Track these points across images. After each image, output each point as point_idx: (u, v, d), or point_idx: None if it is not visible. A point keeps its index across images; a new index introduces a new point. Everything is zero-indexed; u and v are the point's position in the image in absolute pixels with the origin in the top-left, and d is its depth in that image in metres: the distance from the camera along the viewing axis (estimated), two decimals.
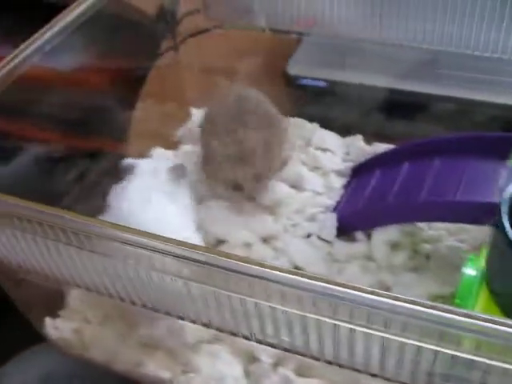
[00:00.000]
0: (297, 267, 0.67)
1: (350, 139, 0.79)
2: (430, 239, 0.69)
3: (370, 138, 0.81)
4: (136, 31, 0.87)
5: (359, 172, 0.75)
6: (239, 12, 0.82)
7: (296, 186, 0.74)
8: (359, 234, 0.68)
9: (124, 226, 0.42)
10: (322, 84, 0.85)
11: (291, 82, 0.87)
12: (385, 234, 0.66)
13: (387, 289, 0.64)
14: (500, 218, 0.47)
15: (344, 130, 0.81)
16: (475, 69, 0.82)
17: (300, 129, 0.79)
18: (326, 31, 0.81)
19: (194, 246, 0.40)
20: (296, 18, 0.81)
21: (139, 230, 0.41)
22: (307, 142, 0.79)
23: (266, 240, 0.70)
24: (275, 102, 0.76)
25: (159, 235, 0.41)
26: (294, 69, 0.87)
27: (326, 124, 0.82)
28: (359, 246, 0.67)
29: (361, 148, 0.77)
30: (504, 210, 0.47)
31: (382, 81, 0.84)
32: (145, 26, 0.90)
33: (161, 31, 0.91)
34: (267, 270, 0.38)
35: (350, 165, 0.76)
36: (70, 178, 0.73)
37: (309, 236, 0.69)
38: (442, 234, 0.69)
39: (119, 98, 0.84)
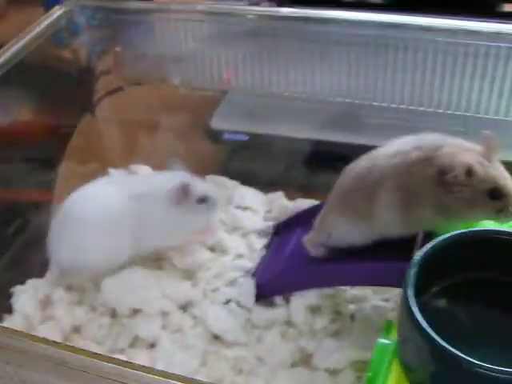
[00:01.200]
0: (215, 336, 0.64)
1: (271, 196, 0.76)
2: (354, 299, 0.66)
3: (294, 193, 0.78)
4: (64, 84, 0.85)
5: (281, 231, 0.72)
6: (151, 71, 0.80)
7: (216, 248, 0.71)
8: (279, 299, 0.65)
9: None
10: (244, 138, 0.83)
11: (214, 136, 0.85)
12: (304, 298, 0.64)
13: (308, 356, 0.61)
14: (404, 286, 0.45)
15: (267, 185, 0.79)
16: (397, 118, 0.80)
17: (220, 187, 0.76)
18: (242, 88, 0.80)
19: None
20: (210, 76, 0.80)
21: None
22: (228, 201, 0.76)
23: (184, 307, 0.66)
24: (198, 157, 0.74)
25: None
26: (217, 123, 0.84)
27: (250, 179, 0.80)
28: (278, 312, 0.65)
29: (282, 205, 0.74)
30: (410, 277, 0.44)
31: (305, 132, 0.82)
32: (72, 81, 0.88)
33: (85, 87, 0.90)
34: None
35: (271, 223, 0.73)
36: None
37: (228, 302, 0.65)
38: (366, 293, 0.67)
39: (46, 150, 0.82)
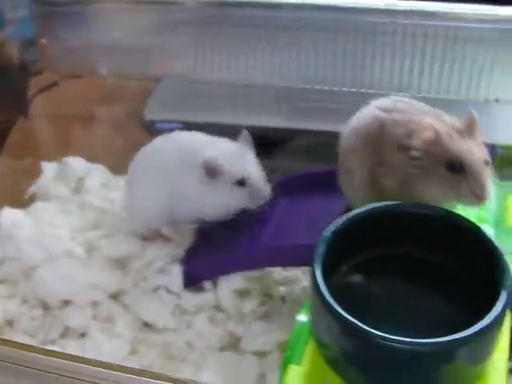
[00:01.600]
0: (145, 323, 0.64)
1: None
2: (285, 281, 0.67)
3: None
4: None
5: None
6: (83, 63, 0.80)
7: (146, 237, 0.70)
8: (207, 284, 0.65)
9: None
10: (178, 126, 0.83)
11: (149, 127, 0.84)
12: (231, 282, 0.64)
13: (237, 339, 0.61)
14: (312, 265, 0.45)
15: None
16: (330, 100, 0.81)
17: None
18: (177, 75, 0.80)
19: None
20: (143, 65, 0.79)
21: None
22: None
23: (115, 296, 0.66)
24: (134, 148, 0.74)
25: None
26: (150, 113, 0.84)
27: None
28: (207, 297, 0.64)
29: None
30: (319, 255, 0.45)
31: (238, 119, 0.82)
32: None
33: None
34: None
35: None
36: None
37: (157, 289, 0.65)
38: (297, 274, 0.67)
39: None
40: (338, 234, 0.47)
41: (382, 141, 0.53)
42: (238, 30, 0.77)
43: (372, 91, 0.75)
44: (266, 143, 0.80)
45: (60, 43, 0.81)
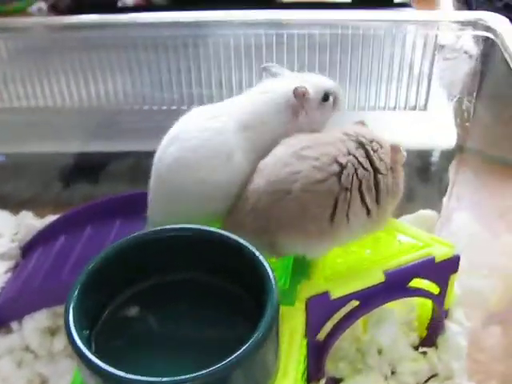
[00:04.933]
0: None
1: (20, 217, 0.72)
2: None
3: (48, 210, 0.75)
4: None
5: (28, 251, 0.68)
6: None
7: None
8: (15, 324, 0.61)
9: None
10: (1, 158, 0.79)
11: None
12: (36, 321, 0.60)
13: (45, 381, 0.58)
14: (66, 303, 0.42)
15: (19, 206, 0.75)
16: (152, 120, 0.78)
17: None
18: None
19: None
20: None
21: None
22: None
23: None
24: None
25: None
26: None
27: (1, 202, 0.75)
28: (14, 338, 0.61)
29: (29, 225, 0.70)
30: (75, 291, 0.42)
31: (60, 146, 0.79)
32: None
33: None
34: None
35: (17, 245, 0.69)
36: None
37: None
38: None
39: None
40: (98, 270, 0.44)
41: None
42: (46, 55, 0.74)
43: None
44: (90, 168, 0.78)
45: None
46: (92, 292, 0.43)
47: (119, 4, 1.12)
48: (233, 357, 0.38)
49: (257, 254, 0.44)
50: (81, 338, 0.41)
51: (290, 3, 1.10)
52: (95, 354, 0.40)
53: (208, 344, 0.44)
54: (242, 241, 0.45)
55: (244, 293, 0.46)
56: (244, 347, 0.39)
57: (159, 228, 0.47)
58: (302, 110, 0.54)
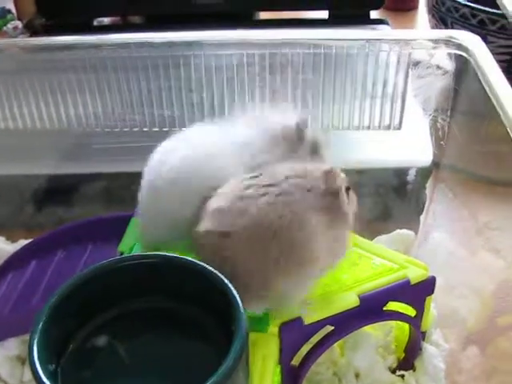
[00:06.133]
0: None
1: None
2: None
3: (22, 233, 0.73)
4: None
5: None
6: None
7: None
8: None
9: None
10: None
11: None
12: (7, 349, 0.59)
13: None
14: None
15: None
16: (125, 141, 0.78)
17: None
18: None
19: None
20: None
21: None
22: None
23: None
24: None
25: None
26: None
27: None
28: None
29: (1, 249, 0.69)
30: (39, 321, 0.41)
31: (33, 169, 0.77)
32: None
33: None
34: None
35: None
36: None
37: None
38: None
39: None
40: (63, 301, 0.43)
41: None
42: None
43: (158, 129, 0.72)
44: (63, 190, 0.77)
45: None
46: (57, 324, 0.42)
47: (95, 23, 1.10)
48: None
49: (225, 281, 0.43)
50: (45, 373, 0.39)
51: (267, 20, 1.10)
52: None
53: (177, 373, 0.43)
54: (209, 268, 0.44)
55: (213, 321, 0.44)
56: (213, 377, 0.38)
57: (126, 255, 0.46)
58: None
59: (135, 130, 0.75)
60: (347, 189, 0.48)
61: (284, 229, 0.45)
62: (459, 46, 0.61)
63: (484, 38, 0.66)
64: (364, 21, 0.98)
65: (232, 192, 0.47)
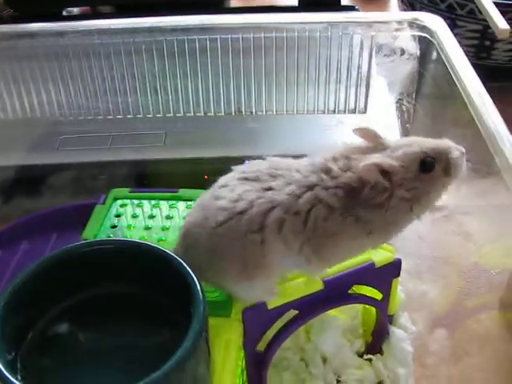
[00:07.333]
0: None
1: None
2: None
3: None
4: None
5: None
6: None
7: None
8: None
9: None
10: None
11: None
12: None
13: None
14: None
15: None
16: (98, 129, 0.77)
17: None
18: None
19: None
20: None
21: None
22: None
23: None
24: None
25: None
26: None
27: None
28: None
29: None
30: None
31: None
32: None
33: None
34: None
35: None
36: None
37: None
38: None
39: None
40: (21, 290, 0.42)
41: None
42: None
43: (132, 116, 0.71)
44: (31, 181, 0.76)
45: None
46: (14, 313, 0.42)
47: (64, 13, 1.09)
48: (161, 370, 0.37)
49: (184, 265, 0.43)
50: (3, 362, 0.39)
51: (237, 8, 1.09)
52: (22, 376, 0.39)
53: (138, 359, 0.43)
54: (168, 252, 0.44)
55: (173, 304, 0.44)
56: (172, 360, 0.38)
57: (83, 242, 0.45)
58: None
59: (99, 118, 0.74)
60: None
61: None
62: (423, 28, 0.61)
63: (453, 23, 0.66)
64: (334, 8, 0.97)
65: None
